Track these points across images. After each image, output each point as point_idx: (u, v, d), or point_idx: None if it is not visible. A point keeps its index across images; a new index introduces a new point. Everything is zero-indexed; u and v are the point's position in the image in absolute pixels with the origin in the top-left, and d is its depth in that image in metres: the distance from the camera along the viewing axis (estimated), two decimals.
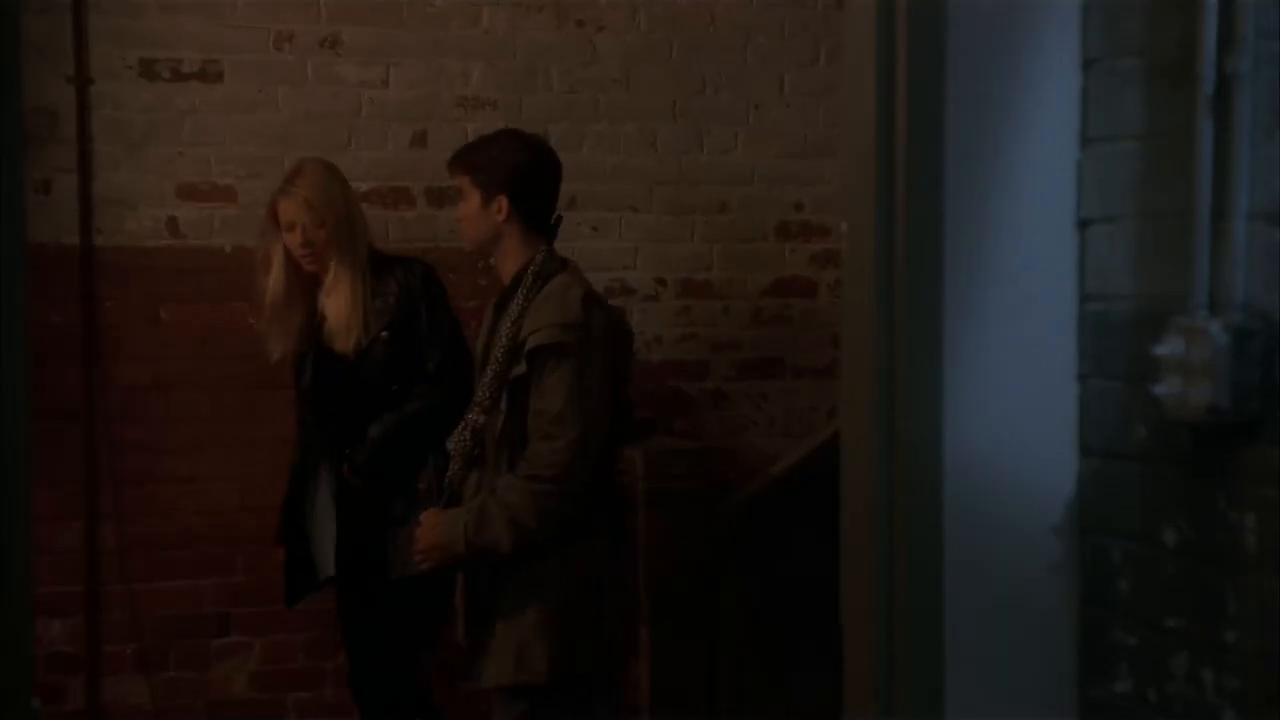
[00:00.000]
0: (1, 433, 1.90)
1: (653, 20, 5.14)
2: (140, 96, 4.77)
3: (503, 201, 3.61)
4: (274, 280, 4.13)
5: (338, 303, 4.08)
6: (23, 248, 1.96)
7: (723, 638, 4.69)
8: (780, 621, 4.66)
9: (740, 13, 5.20)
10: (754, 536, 4.74)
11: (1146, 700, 2.06)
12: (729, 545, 4.69)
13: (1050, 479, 2.19)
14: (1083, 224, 2.16)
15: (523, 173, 3.63)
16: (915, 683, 2.18)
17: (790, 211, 5.28)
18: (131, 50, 4.76)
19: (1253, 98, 1.85)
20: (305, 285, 4.15)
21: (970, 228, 2.15)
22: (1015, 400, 2.17)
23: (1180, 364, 1.91)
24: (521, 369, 3.48)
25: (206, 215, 4.80)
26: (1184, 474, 1.99)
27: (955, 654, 2.16)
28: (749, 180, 5.24)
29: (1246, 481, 1.88)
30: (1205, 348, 1.87)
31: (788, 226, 5.29)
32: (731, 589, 4.70)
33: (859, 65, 2.27)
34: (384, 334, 4.09)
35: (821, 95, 5.23)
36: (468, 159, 3.69)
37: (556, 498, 3.48)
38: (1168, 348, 1.92)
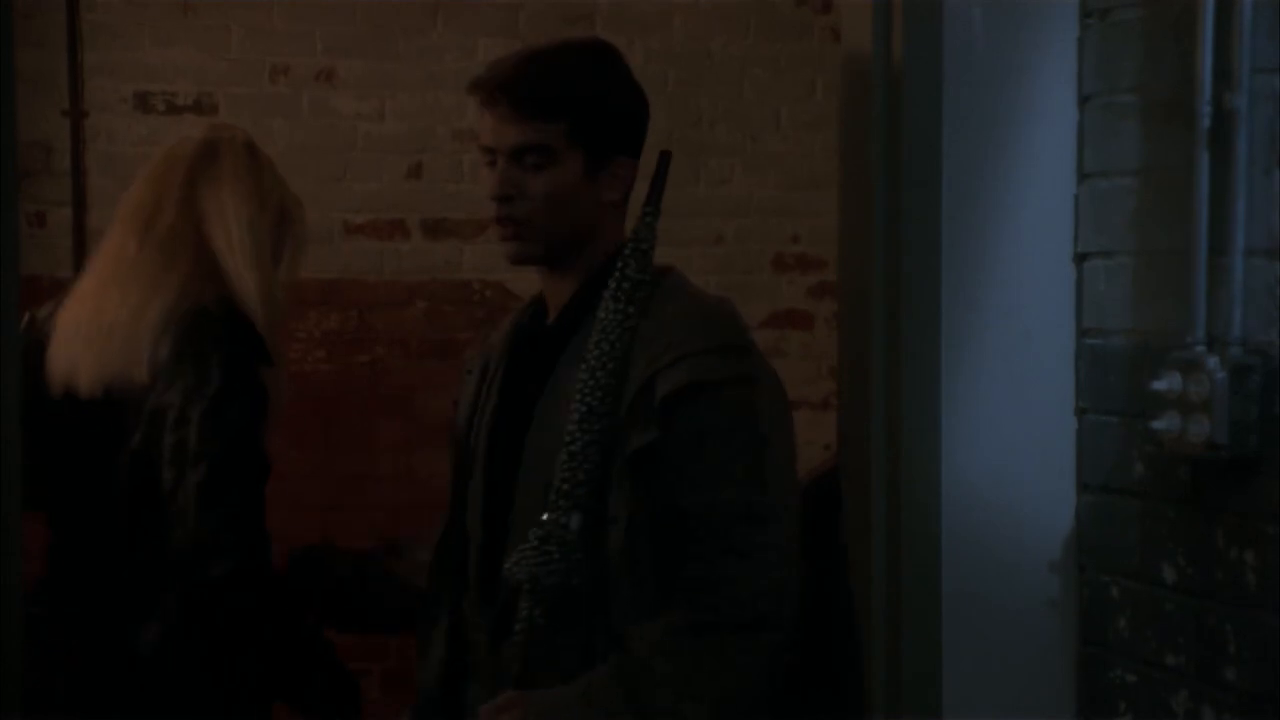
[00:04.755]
0: None
1: (649, 53, 5.14)
2: (135, 129, 4.77)
3: (627, 166, 2.31)
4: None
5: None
6: (16, 281, 1.96)
7: None
8: None
9: (736, 46, 5.20)
10: None
11: None
12: None
13: (1048, 514, 2.18)
14: (1080, 258, 2.16)
15: (646, 117, 2.31)
16: (913, 717, 2.16)
17: (787, 244, 5.27)
18: (126, 83, 4.76)
19: (1250, 133, 1.85)
20: None
21: (968, 261, 2.15)
22: (1013, 434, 2.17)
23: (1178, 399, 1.90)
24: (650, 433, 2.07)
25: None
26: (1182, 510, 1.98)
27: (952, 688, 2.15)
28: (745, 212, 5.24)
29: (1245, 518, 1.87)
30: (1203, 383, 1.86)
31: (784, 259, 5.28)
32: None
33: (855, 98, 2.27)
34: None
35: (818, 128, 5.23)
36: (563, 91, 2.18)
37: (752, 654, 2.04)
38: (1166, 383, 1.92)
